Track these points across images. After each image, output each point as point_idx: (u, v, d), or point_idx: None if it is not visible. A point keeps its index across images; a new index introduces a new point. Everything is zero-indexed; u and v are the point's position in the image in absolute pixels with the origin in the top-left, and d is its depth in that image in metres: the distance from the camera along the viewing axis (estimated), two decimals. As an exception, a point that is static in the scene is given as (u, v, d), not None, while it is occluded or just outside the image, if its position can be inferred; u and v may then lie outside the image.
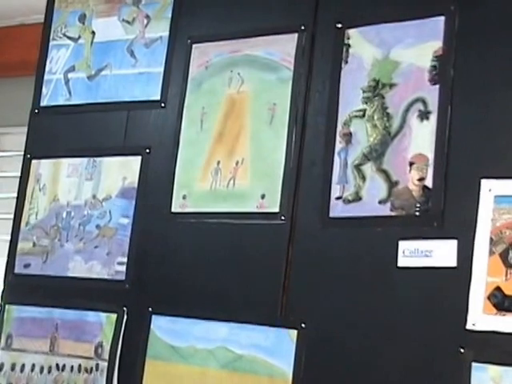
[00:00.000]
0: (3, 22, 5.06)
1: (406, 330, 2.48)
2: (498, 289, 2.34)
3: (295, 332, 2.63)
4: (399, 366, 2.47)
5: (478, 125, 2.46)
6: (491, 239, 2.37)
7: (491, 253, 2.37)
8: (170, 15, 3.00)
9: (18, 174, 3.32)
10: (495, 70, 2.46)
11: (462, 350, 2.35)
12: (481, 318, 2.35)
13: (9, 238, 3.27)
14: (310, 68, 2.75)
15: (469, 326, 2.36)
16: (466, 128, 2.47)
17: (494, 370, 2.30)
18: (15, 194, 3.32)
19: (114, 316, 2.95)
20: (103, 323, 2.97)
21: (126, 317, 2.94)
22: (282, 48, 2.78)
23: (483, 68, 2.47)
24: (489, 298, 2.35)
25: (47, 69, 3.27)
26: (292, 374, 2.60)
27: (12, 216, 3.28)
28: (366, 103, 2.63)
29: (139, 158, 3.03)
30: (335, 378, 2.56)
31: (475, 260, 2.39)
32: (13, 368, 3.13)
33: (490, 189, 2.39)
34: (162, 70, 3.04)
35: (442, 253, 2.44)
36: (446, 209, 2.45)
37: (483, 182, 2.40)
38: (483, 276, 2.37)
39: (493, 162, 2.41)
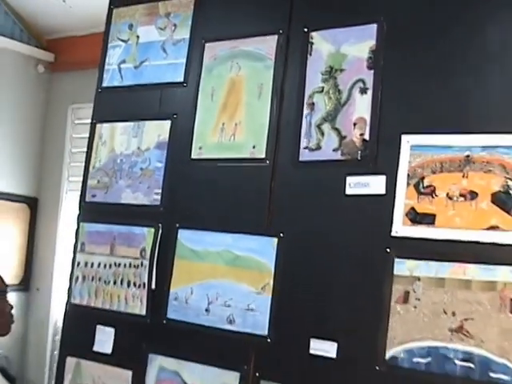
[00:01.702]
0: (80, 32, 5.10)
1: (352, 236, 2.49)
2: (412, 208, 2.38)
3: (276, 240, 2.63)
4: (347, 261, 2.49)
5: (399, 97, 2.48)
6: (408, 175, 2.40)
7: (408, 184, 2.40)
8: (190, 23, 2.98)
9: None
10: (411, 59, 2.47)
11: (388, 250, 2.39)
12: (401, 228, 2.39)
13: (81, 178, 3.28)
14: (285, 59, 2.73)
15: (393, 234, 2.40)
16: (391, 99, 2.48)
17: (409, 263, 2.35)
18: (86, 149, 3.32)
19: (152, 230, 2.95)
20: (145, 234, 2.96)
21: (160, 230, 2.93)
22: (267, 45, 2.76)
23: (403, 58, 2.48)
24: (406, 214, 2.39)
25: (106, 62, 3.25)
26: (274, 268, 2.62)
27: (84, 163, 3.27)
28: (324, 82, 2.62)
29: (169, 121, 2.99)
30: (303, 271, 2.57)
31: (397, 189, 2.42)
32: (85, 265, 3.12)
33: (408, 141, 2.42)
34: (184, 61, 2.99)
35: (375, 184, 2.46)
36: (379, 154, 2.47)
37: (403, 136, 2.43)
38: (402, 200, 2.40)
39: (410, 123, 2.43)
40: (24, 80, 5.35)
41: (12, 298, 4.92)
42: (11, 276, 5.05)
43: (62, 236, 5.15)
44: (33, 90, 5.39)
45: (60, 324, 4.99)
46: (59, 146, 5.32)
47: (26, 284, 5.24)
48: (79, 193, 3.27)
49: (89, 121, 3.32)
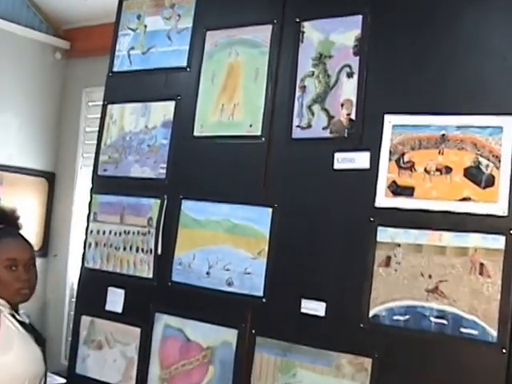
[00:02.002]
0: (93, 22, 5.06)
1: (339, 207, 2.48)
2: (394, 182, 2.37)
3: (271, 209, 2.62)
4: (335, 229, 2.48)
5: (382, 81, 2.46)
6: (390, 151, 2.39)
7: (390, 160, 2.39)
8: (192, 14, 2.94)
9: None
10: (393, 47, 2.45)
11: (371, 219, 2.39)
12: (383, 199, 2.38)
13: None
14: (279, 46, 2.69)
15: (376, 205, 2.39)
16: (375, 83, 2.47)
17: (390, 230, 2.35)
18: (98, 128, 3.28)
19: (158, 200, 2.92)
20: (152, 205, 2.93)
21: (165, 201, 2.90)
22: (263, 33, 2.72)
23: (385, 46, 2.47)
24: (388, 187, 2.38)
25: (117, 49, 3.20)
26: (269, 236, 2.61)
27: (96, 141, 3.24)
28: (314, 67, 2.59)
29: (173, 102, 2.94)
30: (296, 238, 2.56)
31: (380, 164, 2.41)
32: (98, 232, 3.10)
33: (390, 120, 2.40)
34: (187, 48, 2.94)
35: (360, 160, 2.44)
36: (363, 133, 2.46)
37: (386, 116, 2.41)
38: (385, 174, 2.39)
39: (391, 104, 2.41)
40: (43, 66, 5.31)
41: (32, 263, 5.01)
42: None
43: (77, 207, 5.12)
44: (50, 74, 5.35)
45: (76, 287, 5.02)
46: (74, 125, 5.29)
47: (44, 251, 5.23)
48: (92, 167, 3.23)
49: (101, 102, 3.28)
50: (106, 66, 3.28)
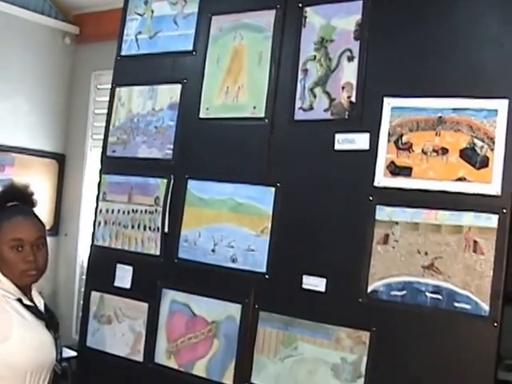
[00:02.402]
0: (102, 8, 5.08)
1: (339, 186, 2.49)
2: (392, 162, 2.38)
3: (274, 189, 2.63)
4: (335, 207, 2.50)
5: (382, 65, 2.46)
6: (389, 133, 2.40)
7: (388, 141, 2.40)
8: None
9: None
10: (392, 31, 2.46)
11: (370, 198, 2.40)
12: (382, 179, 2.40)
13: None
14: (282, 30, 2.69)
15: (375, 184, 2.41)
16: (375, 66, 2.47)
17: (389, 209, 2.37)
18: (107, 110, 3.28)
19: (165, 180, 2.93)
20: (159, 184, 2.94)
21: (172, 181, 2.91)
22: (266, 18, 2.72)
23: (385, 30, 2.47)
24: (387, 167, 2.39)
25: (125, 33, 3.20)
26: (271, 214, 2.62)
27: (105, 123, 3.24)
28: (316, 51, 2.59)
29: (180, 85, 2.94)
30: (297, 217, 2.58)
31: (379, 145, 2.42)
32: (107, 211, 3.12)
33: (389, 103, 2.41)
34: (193, 32, 2.94)
35: (360, 141, 2.46)
36: (363, 115, 2.46)
37: (385, 99, 2.42)
38: (384, 154, 2.41)
39: (390, 87, 2.42)
40: (53, 50, 5.34)
41: (43, 242, 5.06)
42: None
43: (87, 187, 5.18)
44: (60, 59, 5.39)
45: (85, 264, 5.07)
46: (84, 108, 5.33)
47: (55, 230, 5.29)
48: (101, 149, 3.24)
49: (109, 86, 3.27)
50: (115, 51, 3.27)
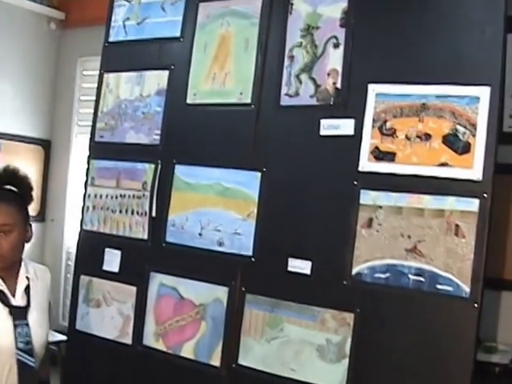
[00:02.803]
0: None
1: (324, 171, 2.53)
2: (376, 147, 2.42)
3: (260, 174, 2.66)
4: (321, 192, 2.53)
5: (367, 52, 2.49)
6: (373, 119, 2.44)
7: (373, 126, 2.43)
8: None
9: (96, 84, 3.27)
10: (377, 19, 2.49)
11: (355, 183, 2.44)
12: (366, 164, 2.43)
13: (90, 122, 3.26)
14: (269, 17, 2.72)
15: (360, 169, 2.44)
16: (360, 53, 2.50)
17: (373, 193, 2.41)
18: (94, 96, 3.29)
19: (153, 165, 2.95)
20: (147, 170, 2.96)
21: (159, 166, 2.93)
22: (253, 5, 2.74)
23: (370, 18, 2.51)
24: (371, 152, 2.43)
25: (113, 19, 3.20)
26: (258, 198, 2.66)
27: (93, 109, 3.25)
28: (302, 38, 2.62)
29: (167, 71, 2.96)
30: (283, 201, 2.61)
31: (364, 131, 2.45)
32: (95, 196, 3.13)
33: (373, 89, 2.45)
34: (181, 19, 2.95)
35: (345, 126, 2.49)
36: (348, 101, 2.50)
37: (369, 85, 2.45)
38: (368, 140, 2.44)
39: (375, 74, 2.46)
40: (38, 36, 5.31)
41: (30, 227, 5.06)
42: (29, 209, 5.11)
43: (73, 173, 5.18)
44: (45, 44, 5.36)
45: (72, 250, 5.07)
46: (69, 94, 5.31)
47: (42, 216, 5.28)
48: (88, 135, 3.24)
49: (95, 72, 3.27)
50: (101, 36, 3.27)
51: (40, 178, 5.31)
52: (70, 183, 5.21)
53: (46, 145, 5.38)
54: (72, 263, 4.97)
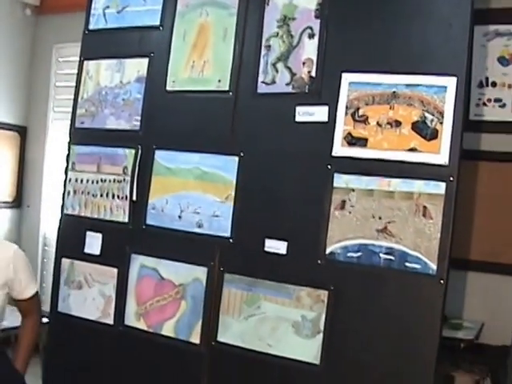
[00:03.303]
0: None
1: (300, 155, 2.60)
2: (349, 133, 2.51)
3: (237, 158, 2.74)
4: (296, 175, 2.61)
5: (341, 42, 2.57)
6: (346, 106, 2.53)
7: (346, 113, 2.52)
8: None
9: (75, 70, 3.28)
10: (350, 11, 2.58)
11: (329, 167, 2.53)
12: (340, 149, 2.53)
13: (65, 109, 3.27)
14: (247, 8, 2.77)
15: (333, 154, 2.53)
16: (334, 44, 2.58)
17: (345, 177, 2.50)
18: (73, 83, 3.30)
19: (133, 150, 2.99)
20: (127, 155, 3.01)
21: (140, 151, 2.98)
22: None
23: (344, 9, 2.59)
24: (344, 138, 2.52)
25: (92, 7, 3.22)
26: (235, 182, 2.73)
27: (73, 95, 3.27)
28: (279, 28, 2.69)
29: (147, 59, 3.01)
30: (260, 184, 2.68)
31: (337, 117, 2.54)
32: (76, 181, 3.17)
33: (347, 78, 2.54)
34: (160, 7, 2.99)
35: (319, 113, 2.57)
36: (323, 89, 2.58)
37: (343, 74, 2.54)
38: (341, 126, 2.53)
39: (348, 63, 2.54)
40: (13, 22, 5.28)
41: (7, 214, 5.10)
42: (5, 195, 5.16)
43: (49, 159, 5.22)
44: (21, 30, 5.35)
45: (48, 235, 5.13)
46: (45, 80, 5.31)
47: (18, 202, 5.29)
48: (64, 121, 3.21)
49: (71, 58, 3.27)
50: (76, 23, 3.28)
51: (16, 164, 5.32)
52: (46, 169, 5.24)
53: (22, 131, 5.39)
54: (48, 248, 5.07)
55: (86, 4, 3.28)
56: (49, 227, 5.09)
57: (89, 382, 3.09)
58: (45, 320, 3.72)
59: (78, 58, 3.30)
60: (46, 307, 3.95)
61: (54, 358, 3.25)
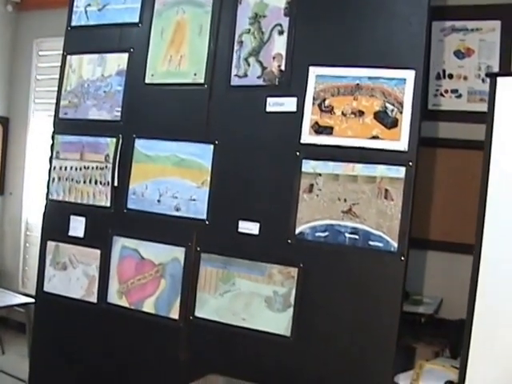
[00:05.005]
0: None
1: (270, 143, 2.66)
2: (316, 122, 2.58)
3: (212, 146, 2.79)
4: (267, 162, 2.66)
5: (308, 38, 2.64)
6: (313, 97, 2.59)
7: (313, 104, 2.59)
8: None
9: (55, 64, 3.30)
10: (317, 9, 2.63)
11: (297, 153, 2.59)
12: (307, 137, 2.59)
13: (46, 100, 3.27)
14: (220, 6, 2.83)
15: (302, 141, 2.60)
16: (302, 39, 2.65)
17: (313, 163, 2.57)
18: (57, 76, 3.32)
19: (114, 139, 3.05)
20: (109, 143, 3.06)
21: (121, 140, 3.03)
22: None
23: (311, 8, 2.65)
24: (311, 126, 2.58)
25: (75, 5, 3.25)
26: (211, 168, 2.78)
27: (57, 87, 3.30)
28: (251, 25, 2.75)
29: (127, 54, 3.06)
30: (234, 170, 2.74)
31: (305, 108, 2.61)
32: (60, 168, 3.22)
33: (314, 71, 2.60)
34: (139, 6, 3.05)
35: (289, 104, 2.64)
36: (292, 81, 2.64)
37: (310, 68, 2.61)
38: (309, 116, 2.60)
39: (315, 57, 2.61)
40: (-6, 17, 5.31)
41: (-11, 201, 5.08)
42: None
43: (31, 149, 5.20)
44: (2, 26, 5.31)
45: (30, 221, 5.14)
46: (26, 73, 5.28)
47: (1, 189, 5.27)
48: (48, 112, 3.26)
49: (51, 52, 3.23)
50: (56, 19, 3.31)
51: (-1, 153, 5.34)
52: (28, 158, 5.23)
53: (4, 121, 5.37)
54: (31, 233, 5.08)
55: (66, 1, 3.29)
56: (31, 213, 5.10)
57: (74, 358, 3.13)
58: (31, 300, 3.77)
59: (57, 52, 3.29)
60: (29, 290, 3.97)
61: (41, 335, 3.28)
